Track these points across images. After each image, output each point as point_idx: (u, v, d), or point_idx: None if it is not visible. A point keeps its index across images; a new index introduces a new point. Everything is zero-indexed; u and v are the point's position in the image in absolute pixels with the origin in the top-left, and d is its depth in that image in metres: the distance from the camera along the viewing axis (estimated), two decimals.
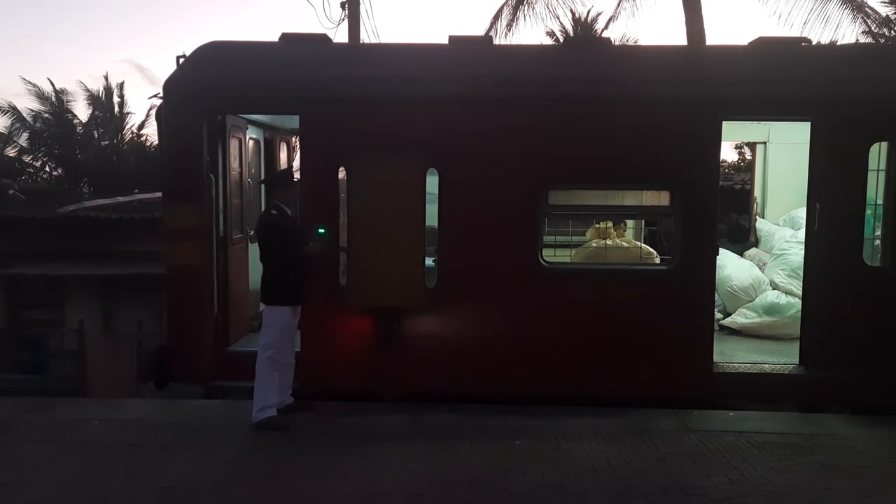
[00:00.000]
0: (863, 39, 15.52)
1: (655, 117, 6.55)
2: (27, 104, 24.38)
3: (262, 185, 6.71)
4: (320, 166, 6.71)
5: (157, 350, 7.25)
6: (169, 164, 7.03)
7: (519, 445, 5.69)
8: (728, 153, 26.03)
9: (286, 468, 5.20)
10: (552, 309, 6.67)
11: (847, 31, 14.56)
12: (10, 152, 24.04)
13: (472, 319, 6.73)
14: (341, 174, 6.79)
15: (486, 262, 6.67)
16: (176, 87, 6.94)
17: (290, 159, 9.78)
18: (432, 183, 6.73)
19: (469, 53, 6.97)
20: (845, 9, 14.47)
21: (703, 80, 6.66)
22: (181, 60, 7.09)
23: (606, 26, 24.82)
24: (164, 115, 7.09)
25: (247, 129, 7.87)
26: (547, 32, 22.20)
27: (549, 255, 7.37)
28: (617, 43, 23.45)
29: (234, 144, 7.44)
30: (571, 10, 24.07)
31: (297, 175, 6.92)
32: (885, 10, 19.24)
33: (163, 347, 7.14)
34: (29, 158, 24.49)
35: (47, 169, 24.91)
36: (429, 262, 6.80)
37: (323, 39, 7.23)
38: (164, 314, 7.36)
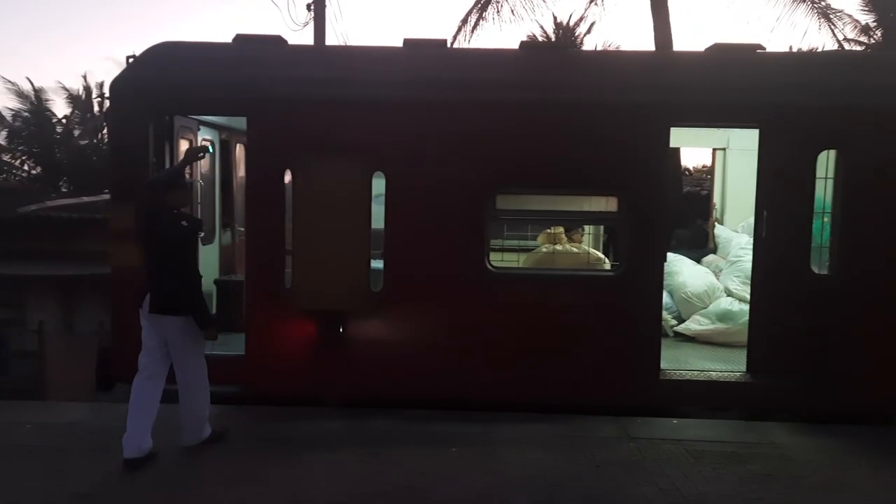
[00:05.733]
0: (836, 46, 15.59)
1: (603, 122, 6.52)
2: (6, 103, 24.28)
3: (148, 188, 5.73)
4: (266, 169, 6.65)
5: (100, 352, 7.16)
6: (114, 165, 6.96)
7: (454, 452, 5.62)
8: (706, 158, 26.07)
9: (210, 475, 5.11)
10: (499, 314, 6.61)
11: (815, 38, 14.70)
12: None
13: (418, 323, 6.67)
14: (287, 177, 6.73)
15: (432, 266, 6.62)
16: (122, 87, 6.83)
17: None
18: (380, 185, 6.69)
19: (419, 56, 6.93)
20: (812, 16, 14.54)
21: (651, 85, 6.61)
22: (130, 60, 7.03)
23: (589, 31, 25.04)
24: (110, 115, 7.02)
25: (199, 130, 7.78)
26: (528, 37, 22.27)
27: (499, 259, 7.30)
28: (599, 48, 23.67)
29: (182, 146, 7.35)
30: (554, 16, 24.23)
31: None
32: (864, 18, 19.40)
33: (107, 349, 7.04)
34: (8, 157, 24.38)
35: (26, 168, 24.78)
36: (377, 264, 6.75)
37: (275, 41, 7.14)
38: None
